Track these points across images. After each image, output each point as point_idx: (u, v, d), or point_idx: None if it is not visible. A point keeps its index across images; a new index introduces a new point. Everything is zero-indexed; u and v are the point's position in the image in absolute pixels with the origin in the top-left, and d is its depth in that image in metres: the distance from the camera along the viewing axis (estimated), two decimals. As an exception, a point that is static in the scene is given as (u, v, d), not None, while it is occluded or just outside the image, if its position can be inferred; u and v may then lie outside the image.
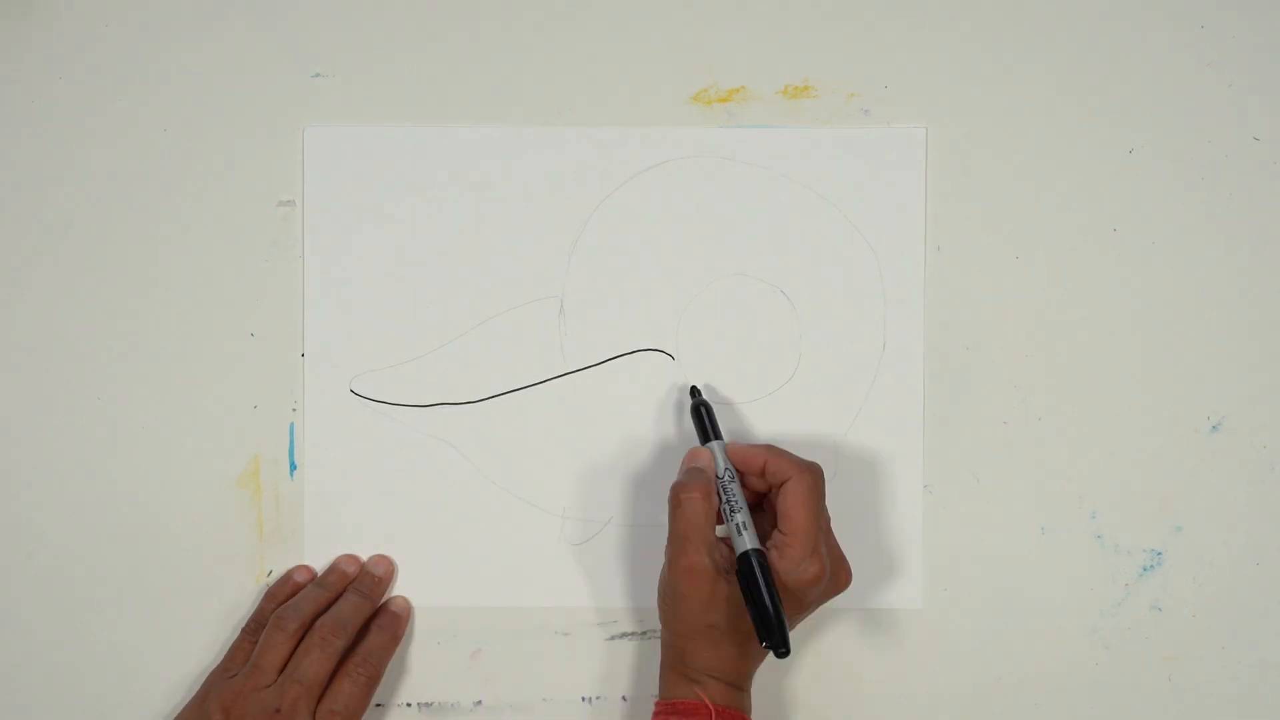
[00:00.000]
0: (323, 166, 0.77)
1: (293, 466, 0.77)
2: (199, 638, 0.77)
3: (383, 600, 0.77)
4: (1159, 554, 0.77)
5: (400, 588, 0.77)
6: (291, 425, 0.77)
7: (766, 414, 0.77)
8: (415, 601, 0.77)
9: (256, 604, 0.76)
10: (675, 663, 0.70)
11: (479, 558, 0.77)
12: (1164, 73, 0.77)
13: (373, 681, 0.73)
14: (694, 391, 0.76)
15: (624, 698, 0.77)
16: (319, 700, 0.71)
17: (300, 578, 0.76)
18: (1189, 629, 0.77)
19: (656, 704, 0.71)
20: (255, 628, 0.75)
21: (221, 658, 0.75)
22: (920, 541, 0.77)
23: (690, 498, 0.70)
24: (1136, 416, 0.77)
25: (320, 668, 0.71)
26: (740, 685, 0.70)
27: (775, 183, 0.77)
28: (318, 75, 0.77)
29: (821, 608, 0.72)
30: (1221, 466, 0.77)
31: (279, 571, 0.77)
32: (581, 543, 0.77)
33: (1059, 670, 0.77)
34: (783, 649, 0.66)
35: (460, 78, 0.77)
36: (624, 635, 0.77)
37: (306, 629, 0.73)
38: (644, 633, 0.77)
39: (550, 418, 0.77)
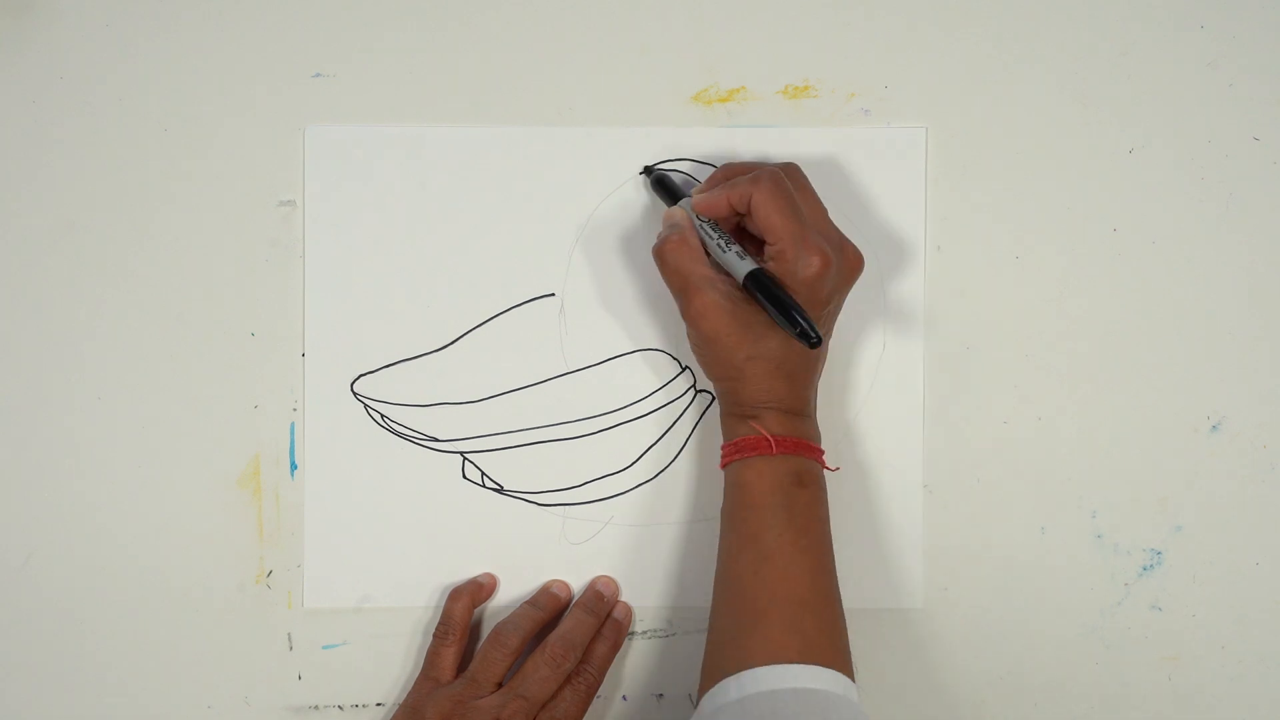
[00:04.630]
0: (323, 166, 0.77)
1: (293, 466, 0.77)
2: (199, 637, 0.77)
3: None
4: (1159, 554, 0.77)
5: (400, 587, 0.77)
6: (292, 425, 0.77)
7: (766, 414, 0.77)
8: (415, 601, 0.77)
9: (442, 605, 0.76)
10: (730, 407, 0.71)
11: (479, 558, 0.77)
12: (1164, 73, 0.77)
13: (592, 690, 0.74)
14: (648, 169, 0.76)
15: (624, 697, 0.77)
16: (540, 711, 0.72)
17: (484, 580, 0.76)
18: (1189, 629, 0.77)
19: (722, 447, 0.71)
20: (445, 631, 0.75)
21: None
22: (920, 541, 0.77)
23: (669, 248, 0.70)
24: (1136, 416, 0.77)
25: (548, 687, 0.72)
26: (798, 410, 0.70)
27: (775, 183, 0.77)
28: (318, 75, 0.77)
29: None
30: (1221, 466, 0.77)
31: (279, 571, 0.77)
32: (581, 543, 0.77)
33: (1059, 670, 0.77)
34: (813, 337, 0.66)
35: (460, 78, 0.77)
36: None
37: (525, 645, 0.73)
38: (644, 632, 0.77)
39: (550, 418, 0.77)
